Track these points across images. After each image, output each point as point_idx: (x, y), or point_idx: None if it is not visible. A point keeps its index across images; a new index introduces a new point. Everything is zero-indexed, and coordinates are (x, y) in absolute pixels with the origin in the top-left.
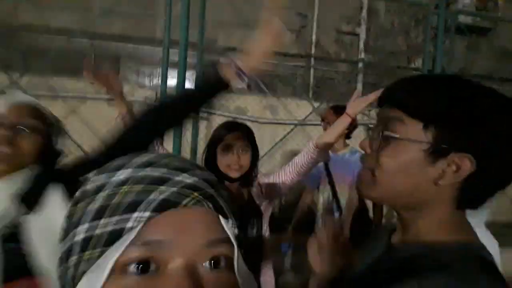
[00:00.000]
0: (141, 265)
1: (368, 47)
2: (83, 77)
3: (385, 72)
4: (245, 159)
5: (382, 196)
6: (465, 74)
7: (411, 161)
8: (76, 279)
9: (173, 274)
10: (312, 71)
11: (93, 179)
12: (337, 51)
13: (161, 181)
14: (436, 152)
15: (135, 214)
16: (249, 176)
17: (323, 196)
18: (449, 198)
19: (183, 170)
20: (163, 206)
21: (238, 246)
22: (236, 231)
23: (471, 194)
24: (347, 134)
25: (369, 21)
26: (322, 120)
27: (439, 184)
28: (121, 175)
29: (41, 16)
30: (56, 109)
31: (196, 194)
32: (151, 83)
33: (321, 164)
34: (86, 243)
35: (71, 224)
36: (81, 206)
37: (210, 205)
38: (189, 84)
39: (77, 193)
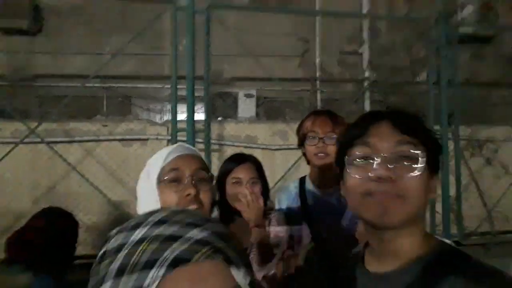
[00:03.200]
0: None
1: (372, 65)
2: (97, 120)
3: (391, 88)
4: (256, 192)
5: (408, 218)
6: (471, 82)
7: (424, 178)
8: None
9: None
10: (318, 93)
11: (114, 239)
12: (342, 71)
13: (174, 238)
14: (432, 168)
15: (152, 272)
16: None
17: None
18: None
19: (194, 225)
20: (176, 262)
21: None
22: (248, 279)
23: None
24: None
25: (370, 39)
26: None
27: (429, 197)
28: (139, 234)
29: (55, 64)
30: (72, 152)
31: (205, 250)
32: (162, 119)
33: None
34: None
35: (97, 282)
36: (104, 264)
37: (221, 258)
38: (198, 117)
39: (101, 252)
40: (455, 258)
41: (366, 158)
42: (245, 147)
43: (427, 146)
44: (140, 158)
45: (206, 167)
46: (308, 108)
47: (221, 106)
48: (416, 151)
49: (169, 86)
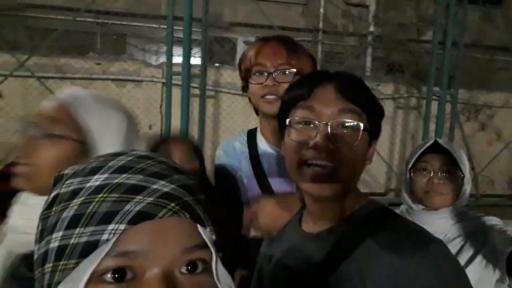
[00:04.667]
0: (117, 274)
1: (378, 19)
2: (90, 57)
3: (395, 45)
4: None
5: (342, 189)
6: (478, 45)
7: (363, 146)
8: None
9: (149, 282)
10: (319, 45)
11: (68, 183)
12: (345, 24)
13: (137, 190)
14: (371, 136)
15: (111, 226)
16: None
17: None
18: None
19: (160, 177)
20: (138, 218)
21: (217, 250)
22: (214, 237)
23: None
24: None
25: None
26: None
27: (366, 164)
28: (97, 181)
29: None
30: (64, 89)
31: (172, 205)
32: (157, 61)
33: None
34: (61, 252)
35: (46, 228)
36: (56, 210)
37: (187, 215)
38: (194, 61)
39: (52, 194)
40: (382, 215)
41: (307, 122)
42: (241, 95)
43: (369, 113)
44: (134, 99)
45: None
46: None
47: (219, 52)
48: (358, 122)
49: (165, 26)
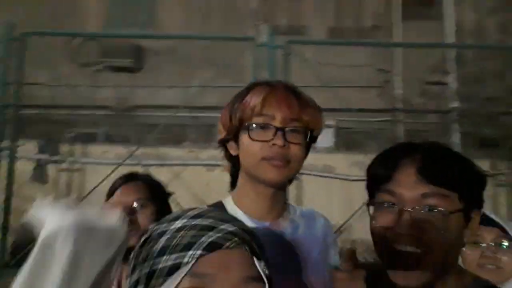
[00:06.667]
0: None
1: (460, 95)
2: (184, 146)
3: (483, 119)
4: (142, 218)
5: (433, 277)
6: None
7: (457, 227)
8: None
9: None
10: (402, 125)
11: (156, 228)
12: (424, 102)
13: (209, 228)
14: (467, 216)
15: (190, 252)
16: None
17: None
18: None
19: (226, 221)
20: (211, 246)
21: (268, 283)
22: (267, 271)
23: None
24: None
25: (457, 69)
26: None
27: (469, 240)
28: (179, 224)
29: (152, 96)
30: (163, 175)
31: (236, 239)
32: None
33: None
34: (151, 275)
35: (138, 263)
36: (147, 248)
37: (247, 248)
38: None
39: (142, 239)
40: None
41: (391, 205)
42: (321, 176)
43: (462, 189)
44: (222, 182)
45: None
46: (391, 140)
47: None
48: (444, 207)
49: None
